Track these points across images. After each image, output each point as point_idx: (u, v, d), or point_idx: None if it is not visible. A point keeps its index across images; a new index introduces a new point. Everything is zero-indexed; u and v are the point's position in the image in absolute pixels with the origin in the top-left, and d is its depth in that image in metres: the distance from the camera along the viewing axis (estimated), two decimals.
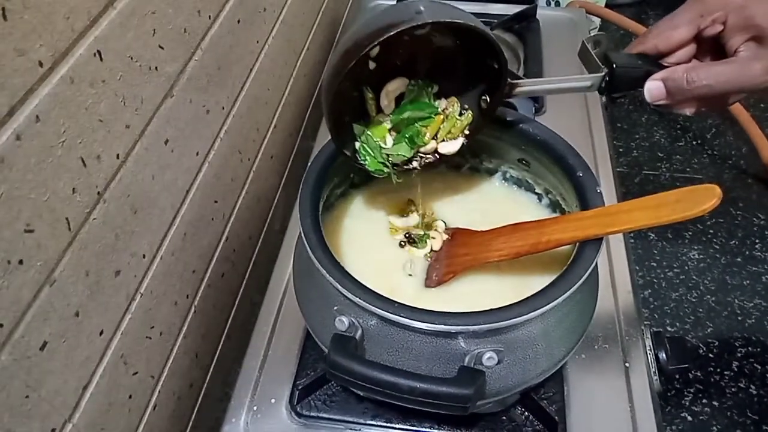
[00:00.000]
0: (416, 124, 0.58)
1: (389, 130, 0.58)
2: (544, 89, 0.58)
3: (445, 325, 0.45)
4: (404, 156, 0.58)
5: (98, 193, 0.47)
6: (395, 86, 0.57)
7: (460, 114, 0.59)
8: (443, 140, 0.59)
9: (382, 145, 0.58)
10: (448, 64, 0.58)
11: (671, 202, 0.46)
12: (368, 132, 0.58)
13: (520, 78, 0.57)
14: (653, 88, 0.51)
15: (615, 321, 0.68)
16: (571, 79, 0.56)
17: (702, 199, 0.45)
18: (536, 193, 0.65)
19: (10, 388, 0.40)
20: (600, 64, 0.54)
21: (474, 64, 0.57)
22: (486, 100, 0.58)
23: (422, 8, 0.49)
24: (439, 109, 0.59)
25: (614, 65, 0.52)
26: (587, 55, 0.55)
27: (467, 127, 0.59)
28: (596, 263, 0.50)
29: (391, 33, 0.48)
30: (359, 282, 0.48)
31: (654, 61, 0.52)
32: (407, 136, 0.58)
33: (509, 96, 0.56)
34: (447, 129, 0.59)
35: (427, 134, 0.58)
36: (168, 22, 0.54)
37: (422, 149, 0.59)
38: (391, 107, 0.58)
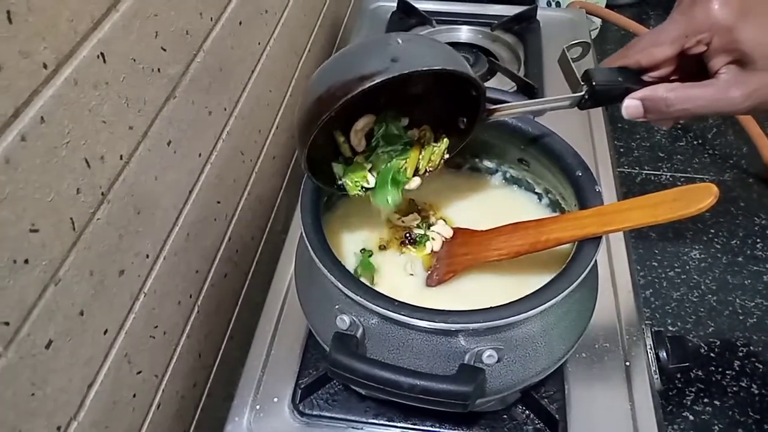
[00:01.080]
0: (394, 160, 0.57)
1: (369, 170, 0.57)
2: (523, 111, 0.56)
3: (445, 323, 0.46)
4: (396, 201, 0.57)
5: (102, 193, 0.47)
6: (363, 124, 0.56)
7: (436, 140, 0.58)
8: (425, 170, 0.58)
9: (365, 185, 0.57)
10: (419, 95, 0.56)
11: (668, 200, 0.47)
12: (349, 175, 0.57)
13: (499, 103, 0.55)
14: (631, 107, 0.51)
15: (615, 320, 0.68)
16: (550, 100, 0.55)
17: (699, 197, 0.45)
18: (536, 193, 0.66)
19: (16, 385, 0.40)
20: (580, 81, 0.53)
21: (449, 92, 0.55)
22: (463, 121, 0.57)
23: (398, 54, 0.47)
24: (413, 139, 0.58)
25: (594, 83, 0.52)
26: (567, 67, 0.54)
27: (445, 151, 0.59)
28: (595, 262, 0.50)
29: (365, 87, 0.46)
30: (360, 281, 0.48)
31: (634, 77, 0.52)
32: (390, 179, 0.56)
33: (487, 120, 0.55)
34: (426, 158, 0.58)
35: (408, 169, 0.57)
36: (170, 25, 0.54)
37: (407, 185, 0.58)
38: (363, 144, 0.57)
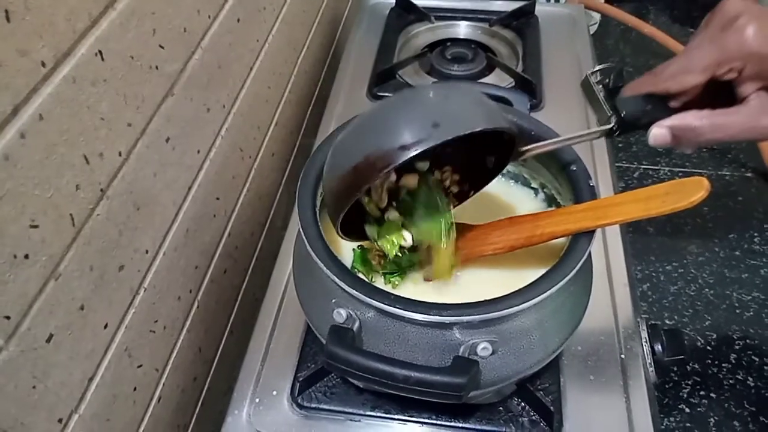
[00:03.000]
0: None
1: (402, 225, 0.56)
2: (554, 148, 0.55)
3: (439, 315, 0.46)
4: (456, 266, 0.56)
5: (101, 189, 0.48)
6: (409, 183, 0.55)
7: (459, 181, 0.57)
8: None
9: (403, 244, 0.55)
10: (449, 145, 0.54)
11: (661, 194, 0.47)
12: (384, 237, 0.56)
13: (530, 144, 0.53)
14: (659, 135, 0.50)
15: (611, 314, 0.69)
16: (581, 135, 0.54)
17: (691, 191, 0.45)
18: (532, 188, 0.66)
19: (18, 379, 0.41)
20: (608, 112, 0.52)
21: (479, 139, 0.51)
22: (491, 160, 0.55)
23: (438, 119, 0.44)
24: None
25: (623, 115, 0.51)
26: (592, 95, 0.54)
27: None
28: (589, 255, 0.50)
29: (408, 157, 0.43)
30: (356, 275, 0.49)
31: (661, 104, 0.51)
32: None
33: (517, 159, 0.54)
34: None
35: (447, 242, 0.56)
36: (168, 22, 0.55)
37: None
38: (384, 199, 0.55)
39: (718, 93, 0.49)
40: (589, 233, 0.51)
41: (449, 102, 0.47)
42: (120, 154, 0.50)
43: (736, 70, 0.47)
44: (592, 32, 1.05)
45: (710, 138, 0.47)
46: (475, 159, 0.56)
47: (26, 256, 0.40)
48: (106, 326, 0.51)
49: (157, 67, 0.54)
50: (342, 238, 0.53)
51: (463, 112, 0.46)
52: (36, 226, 0.41)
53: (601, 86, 0.54)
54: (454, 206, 0.58)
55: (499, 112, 0.49)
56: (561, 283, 0.48)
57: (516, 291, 0.48)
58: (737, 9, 0.46)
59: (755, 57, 0.45)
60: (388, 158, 0.43)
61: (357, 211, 0.55)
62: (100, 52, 0.46)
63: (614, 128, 0.52)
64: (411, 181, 0.55)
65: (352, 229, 0.55)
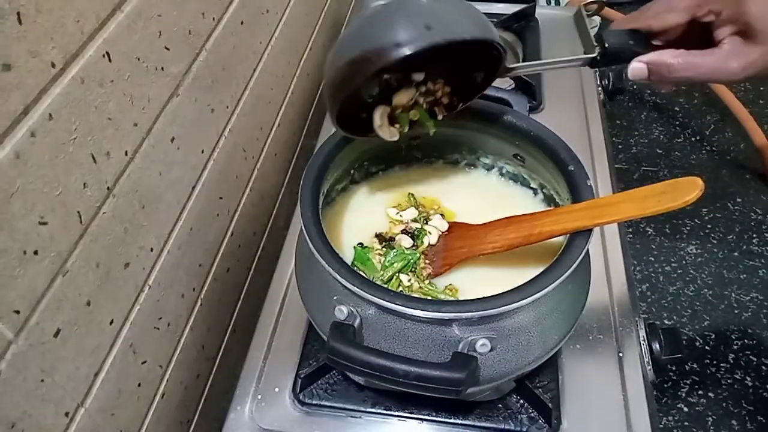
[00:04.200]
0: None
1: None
2: (538, 69, 0.59)
3: (439, 312, 0.47)
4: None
5: (108, 188, 0.49)
6: (403, 100, 0.58)
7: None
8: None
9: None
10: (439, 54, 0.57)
11: (656, 194, 0.48)
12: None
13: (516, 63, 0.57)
14: (636, 69, 0.53)
15: (609, 312, 0.70)
16: (564, 60, 0.57)
17: (685, 190, 0.46)
18: (531, 188, 0.67)
19: (27, 372, 0.42)
20: (593, 42, 0.56)
21: (468, 50, 0.55)
22: (480, 75, 0.58)
23: (430, 22, 0.47)
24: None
25: (606, 45, 0.54)
26: (582, 26, 0.57)
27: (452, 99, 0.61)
28: (586, 253, 0.51)
29: (401, 56, 0.46)
30: (357, 272, 0.50)
31: (643, 40, 0.54)
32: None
33: (503, 75, 0.57)
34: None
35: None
36: (173, 24, 0.56)
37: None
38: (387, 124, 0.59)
39: (697, 36, 0.52)
40: (587, 232, 0.51)
41: (441, 6, 0.49)
42: (126, 154, 0.51)
43: (714, 12, 0.50)
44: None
45: (682, 75, 0.51)
46: (463, 72, 0.59)
47: (35, 252, 0.41)
48: (111, 322, 0.52)
49: (162, 69, 0.55)
50: (339, 130, 0.56)
51: (455, 19, 0.49)
52: (45, 223, 0.42)
53: (590, 19, 0.58)
54: (444, 117, 0.61)
55: (490, 25, 0.51)
56: (558, 281, 0.48)
57: (514, 288, 0.48)
58: None
59: (732, 0, 0.48)
60: (382, 54, 0.47)
61: (354, 107, 0.57)
62: (107, 53, 0.47)
63: (597, 57, 0.56)
64: (404, 98, 0.58)
65: (349, 124, 0.57)
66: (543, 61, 0.59)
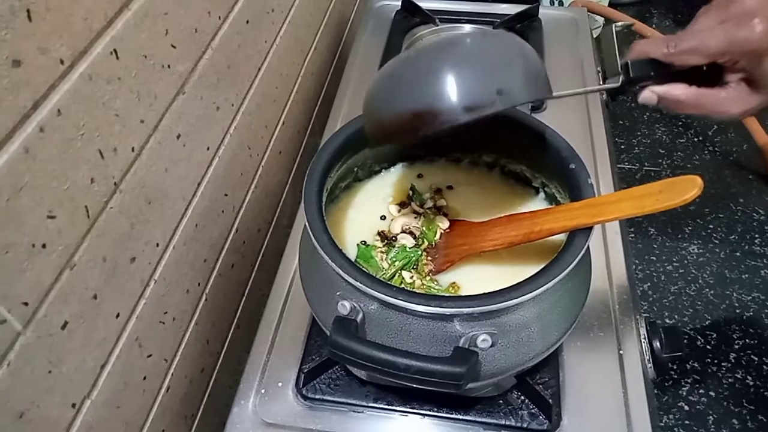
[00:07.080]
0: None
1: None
2: (555, 97, 0.58)
3: (440, 308, 0.48)
4: None
5: (115, 183, 0.50)
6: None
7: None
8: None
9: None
10: None
11: (655, 192, 0.48)
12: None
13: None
14: (647, 98, 0.56)
15: (610, 310, 0.70)
16: (587, 90, 0.58)
17: (684, 189, 0.47)
18: (533, 187, 0.67)
19: (34, 363, 0.43)
20: (618, 69, 0.56)
21: None
22: None
23: (503, 86, 0.45)
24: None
25: (630, 75, 0.55)
26: (610, 48, 0.57)
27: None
28: (586, 251, 0.52)
29: (470, 120, 0.44)
30: (360, 268, 0.51)
31: (663, 72, 0.55)
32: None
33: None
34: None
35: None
36: (180, 23, 0.57)
37: None
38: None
39: (706, 71, 0.54)
40: (586, 230, 0.52)
41: (511, 65, 0.47)
42: (133, 150, 0.52)
43: (733, 60, 0.52)
44: (594, 36, 1.06)
45: (688, 111, 0.55)
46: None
47: (43, 246, 0.42)
48: (117, 316, 0.53)
49: (169, 66, 0.56)
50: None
51: (523, 79, 0.48)
52: (53, 217, 0.43)
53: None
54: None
55: (545, 71, 0.50)
56: (558, 278, 0.49)
57: (515, 284, 0.49)
58: (754, 6, 0.50)
59: (754, 54, 0.50)
60: (448, 116, 0.45)
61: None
62: (115, 51, 0.47)
63: (619, 87, 0.57)
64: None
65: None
66: (564, 93, 0.57)
